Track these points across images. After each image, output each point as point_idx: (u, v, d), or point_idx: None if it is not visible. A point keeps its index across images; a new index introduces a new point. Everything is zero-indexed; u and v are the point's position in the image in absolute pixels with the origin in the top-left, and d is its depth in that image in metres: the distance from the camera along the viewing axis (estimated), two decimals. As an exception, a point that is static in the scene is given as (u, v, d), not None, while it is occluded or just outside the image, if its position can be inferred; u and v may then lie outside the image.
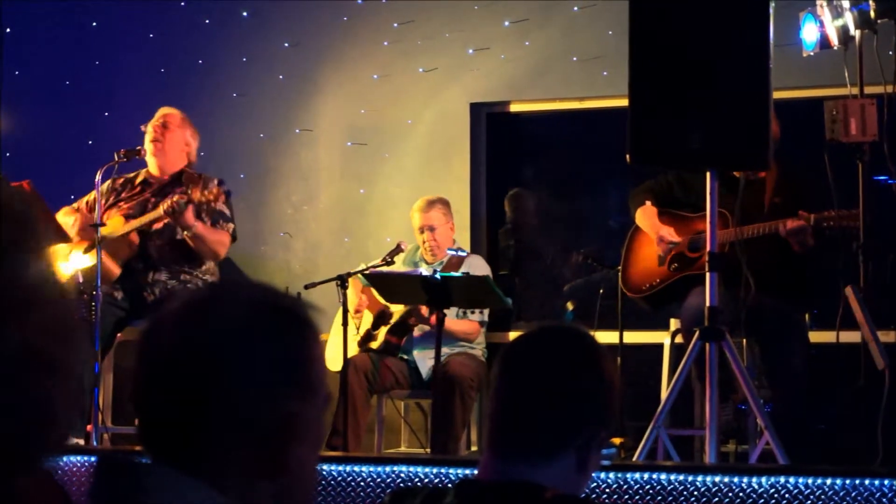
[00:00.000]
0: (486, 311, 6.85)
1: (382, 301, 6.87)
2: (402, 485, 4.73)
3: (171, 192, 6.67)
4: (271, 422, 1.55)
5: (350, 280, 6.71)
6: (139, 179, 6.88)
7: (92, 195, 6.86)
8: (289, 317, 1.60)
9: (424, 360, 6.81)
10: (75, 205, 6.92)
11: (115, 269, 6.57)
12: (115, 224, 6.57)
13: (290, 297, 1.64)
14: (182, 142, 6.84)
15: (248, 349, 1.55)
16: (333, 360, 6.54)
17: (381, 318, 6.96)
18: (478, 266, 6.86)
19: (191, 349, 1.55)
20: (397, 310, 6.91)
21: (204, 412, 1.53)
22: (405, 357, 6.88)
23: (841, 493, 4.31)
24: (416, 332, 6.88)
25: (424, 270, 6.51)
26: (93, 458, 5.08)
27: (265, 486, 1.56)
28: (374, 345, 6.89)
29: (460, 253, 6.97)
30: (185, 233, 6.50)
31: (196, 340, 1.55)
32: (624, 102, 5.14)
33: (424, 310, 6.65)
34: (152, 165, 6.83)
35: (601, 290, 6.87)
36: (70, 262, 6.65)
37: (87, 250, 6.63)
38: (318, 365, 1.63)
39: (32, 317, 1.07)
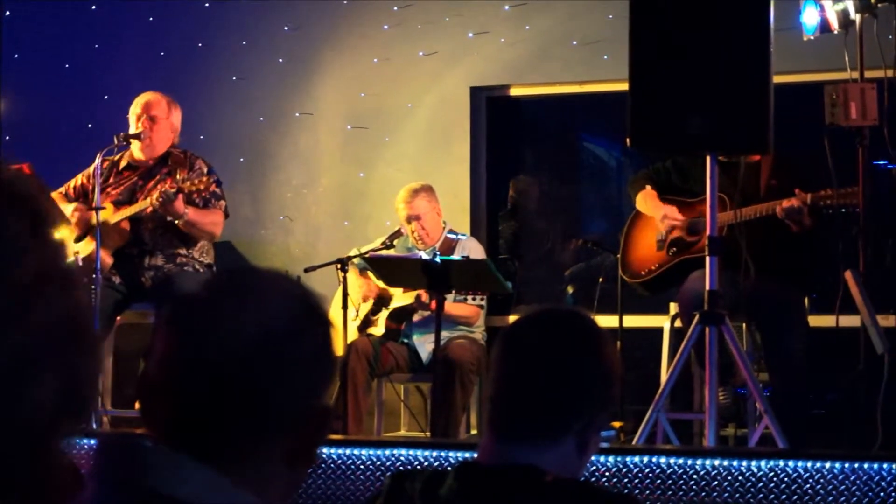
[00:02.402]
0: (486, 296, 6.85)
1: (381, 285, 6.88)
2: (401, 468, 4.74)
3: (158, 172, 6.66)
4: (311, 415, 1.59)
5: (350, 269, 6.71)
6: (123, 163, 6.79)
7: (77, 179, 6.84)
8: (321, 313, 1.64)
9: (424, 345, 6.81)
10: (62, 189, 6.86)
11: (108, 259, 6.52)
12: (104, 213, 6.52)
13: (312, 290, 1.67)
14: (169, 129, 6.73)
15: (296, 345, 1.58)
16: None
17: (381, 302, 6.96)
18: (473, 249, 6.85)
19: (241, 343, 1.55)
20: (395, 294, 6.91)
21: (245, 404, 1.55)
22: (405, 341, 6.89)
23: (840, 477, 4.32)
24: (416, 316, 6.87)
25: (424, 254, 6.50)
26: (93, 441, 5.09)
27: (283, 475, 1.58)
28: (374, 330, 6.89)
29: (460, 237, 6.96)
30: (177, 221, 6.47)
31: (247, 335, 1.56)
32: (624, 86, 5.14)
33: (424, 295, 6.65)
34: (138, 153, 6.73)
35: (601, 279, 6.88)
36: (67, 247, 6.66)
37: (78, 238, 6.63)
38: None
39: (73, 290, 1.12)
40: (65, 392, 1.08)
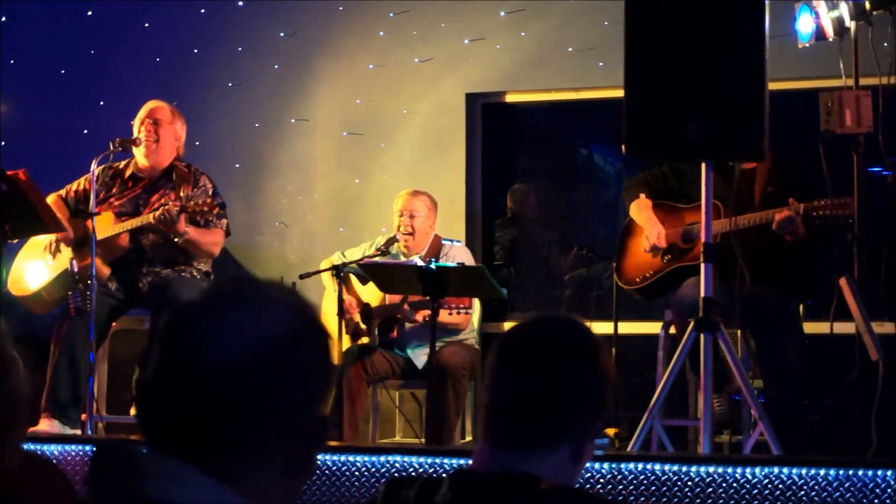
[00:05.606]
0: (475, 304, 6.84)
1: (363, 297, 6.91)
2: (396, 475, 4.74)
3: (162, 187, 6.64)
4: (308, 425, 1.60)
5: (328, 278, 6.77)
6: (129, 172, 6.77)
7: (80, 184, 6.81)
8: (319, 323, 1.65)
9: (418, 356, 6.81)
10: (62, 191, 6.84)
11: (105, 270, 6.49)
12: (105, 222, 6.49)
13: (309, 300, 1.67)
14: (173, 136, 6.72)
15: (294, 355, 1.59)
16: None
17: (366, 314, 6.96)
18: (461, 256, 6.86)
19: (240, 352, 1.55)
20: (373, 298, 6.91)
21: (243, 413, 1.55)
22: (398, 352, 6.88)
23: (835, 484, 4.32)
24: (408, 325, 6.86)
25: (419, 260, 6.50)
26: (87, 448, 5.08)
27: (281, 483, 1.58)
28: (367, 340, 6.89)
29: (452, 243, 6.97)
30: (177, 239, 6.46)
31: (246, 344, 1.56)
32: (620, 93, 5.13)
33: (408, 307, 6.69)
34: (143, 161, 6.72)
35: (596, 289, 6.88)
36: (61, 253, 6.65)
37: (75, 246, 6.61)
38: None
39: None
40: None
